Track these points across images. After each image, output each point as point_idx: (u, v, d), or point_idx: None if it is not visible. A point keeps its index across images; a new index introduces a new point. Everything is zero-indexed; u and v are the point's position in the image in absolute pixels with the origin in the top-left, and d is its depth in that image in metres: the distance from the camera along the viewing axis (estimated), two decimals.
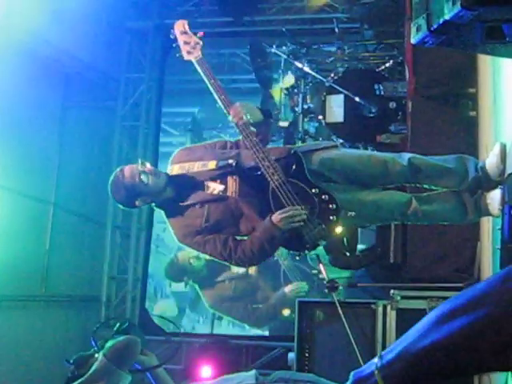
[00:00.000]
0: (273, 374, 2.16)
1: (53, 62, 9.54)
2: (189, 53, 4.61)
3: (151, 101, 11.02)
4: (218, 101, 4.51)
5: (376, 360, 1.29)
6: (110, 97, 10.97)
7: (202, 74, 4.56)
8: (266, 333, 10.15)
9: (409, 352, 1.18)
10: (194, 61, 4.58)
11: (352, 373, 1.66)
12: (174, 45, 4.72)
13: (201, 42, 4.62)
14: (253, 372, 2.19)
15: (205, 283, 10.12)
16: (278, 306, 9.89)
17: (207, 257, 4.67)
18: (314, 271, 9.45)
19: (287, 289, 9.79)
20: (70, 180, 9.90)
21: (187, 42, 4.63)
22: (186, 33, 4.66)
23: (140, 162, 4.51)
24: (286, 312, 9.75)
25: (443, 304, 1.19)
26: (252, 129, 4.45)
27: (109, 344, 2.83)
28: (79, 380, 2.65)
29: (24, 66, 8.86)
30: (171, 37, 4.72)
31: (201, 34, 4.69)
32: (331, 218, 4.38)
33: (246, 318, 9.99)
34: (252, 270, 9.83)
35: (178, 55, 4.68)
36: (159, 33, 10.87)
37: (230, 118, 4.47)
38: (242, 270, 9.68)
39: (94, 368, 2.71)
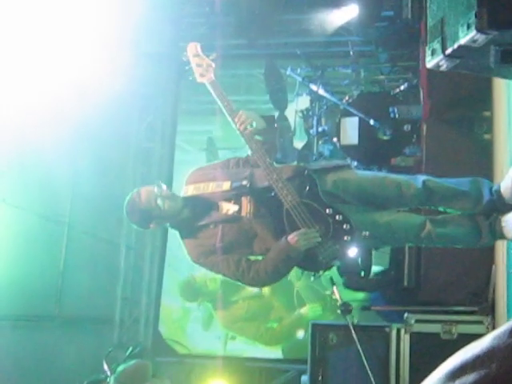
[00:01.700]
0: None
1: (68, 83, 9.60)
2: (202, 75, 4.61)
3: (166, 123, 11.06)
4: (232, 123, 4.52)
5: None
6: (125, 118, 11.01)
7: (215, 96, 4.57)
8: (279, 352, 10.13)
9: None
10: (207, 83, 4.59)
11: None
12: (186, 67, 4.72)
13: (213, 65, 4.63)
14: None
15: (218, 303, 10.14)
16: (292, 327, 9.91)
17: (221, 277, 4.68)
18: (328, 292, 9.47)
19: (303, 310, 9.81)
20: (85, 200, 9.93)
21: (200, 64, 4.63)
22: (198, 55, 4.67)
23: (157, 185, 4.51)
24: (300, 333, 9.77)
25: (452, 359, 1.18)
26: (257, 137, 4.46)
27: (120, 368, 2.84)
28: None
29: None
30: (183, 59, 4.73)
31: (213, 55, 4.70)
32: (345, 238, 4.37)
33: (258, 337, 10.01)
34: (265, 290, 9.85)
35: (190, 78, 4.69)
36: (174, 56, 10.92)
37: (238, 128, 4.47)
38: (255, 289, 9.70)
39: None
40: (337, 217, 4.37)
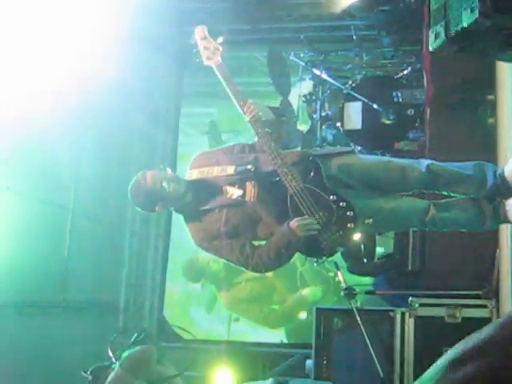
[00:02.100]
0: (290, 381, 2.14)
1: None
2: (208, 58, 4.61)
3: (169, 108, 11.06)
4: (237, 106, 4.51)
5: None
6: (127, 104, 11.00)
7: (221, 79, 4.57)
8: (282, 333, 10.17)
9: None
10: (213, 66, 4.59)
11: None
12: (194, 50, 4.72)
13: (220, 48, 4.63)
14: (270, 380, 2.17)
15: (221, 285, 10.20)
16: (294, 309, 9.96)
17: (223, 260, 4.69)
18: (331, 274, 9.52)
19: (304, 292, 9.86)
20: (89, 186, 9.94)
21: (207, 47, 4.63)
22: (205, 38, 4.67)
23: (161, 168, 4.52)
24: (303, 315, 9.83)
25: (454, 348, 1.19)
26: (266, 129, 4.46)
27: (125, 354, 2.84)
28: None
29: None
30: (191, 42, 4.72)
31: (220, 39, 4.70)
32: (349, 225, 4.38)
33: (261, 319, 10.06)
34: (264, 273, 9.91)
35: (197, 60, 4.69)
36: (176, 41, 10.90)
37: (247, 117, 4.47)
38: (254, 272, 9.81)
39: (110, 378, 2.72)
40: (341, 203, 4.37)
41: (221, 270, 10.14)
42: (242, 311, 10.20)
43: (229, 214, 4.49)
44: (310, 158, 4.52)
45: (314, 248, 4.43)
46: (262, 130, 4.41)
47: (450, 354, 1.18)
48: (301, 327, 9.91)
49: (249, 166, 4.51)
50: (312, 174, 4.42)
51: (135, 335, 2.99)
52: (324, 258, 4.58)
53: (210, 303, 10.52)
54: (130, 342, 2.93)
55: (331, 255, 4.51)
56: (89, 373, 2.99)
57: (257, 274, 9.66)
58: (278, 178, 4.36)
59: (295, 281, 9.94)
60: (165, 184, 4.45)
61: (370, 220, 4.49)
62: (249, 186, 4.52)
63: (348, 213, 4.36)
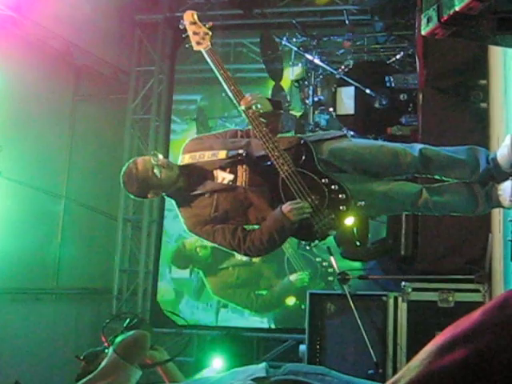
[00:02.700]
0: (283, 366, 2.14)
1: (63, 56, 9.57)
2: (198, 43, 4.59)
3: (162, 93, 11.05)
4: (228, 91, 4.49)
5: None
6: (120, 90, 10.99)
7: (211, 64, 4.54)
8: (270, 319, 10.20)
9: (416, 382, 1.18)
10: (203, 51, 4.57)
11: None
12: (183, 35, 4.70)
13: (210, 33, 4.61)
14: (263, 364, 2.17)
15: (209, 270, 10.24)
16: (282, 294, 9.99)
17: (214, 245, 4.67)
18: (318, 259, 9.55)
19: (292, 277, 9.89)
20: (81, 173, 9.94)
21: (196, 32, 4.61)
22: (195, 23, 4.64)
23: (153, 154, 4.50)
24: (291, 300, 9.88)
25: (443, 333, 1.19)
26: (262, 119, 4.44)
27: (118, 339, 2.83)
28: (90, 376, 2.65)
29: (34, 60, 8.89)
30: (180, 27, 4.70)
31: (210, 24, 4.67)
32: (341, 208, 4.37)
33: (248, 304, 10.09)
34: (256, 258, 9.92)
35: (187, 46, 4.67)
36: (169, 26, 10.88)
37: (241, 107, 4.45)
38: (245, 257, 9.87)
39: (103, 363, 2.71)
40: (332, 186, 4.36)
41: (208, 255, 10.17)
42: (229, 296, 10.23)
43: (220, 199, 4.48)
44: (302, 142, 4.51)
45: (306, 232, 4.42)
46: (256, 120, 4.39)
47: (438, 338, 1.18)
48: (288, 313, 9.96)
49: (240, 151, 4.49)
50: (304, 157, 4.41)
51: (128, 320, 2.98)
52: (316, 242, 4.57)
53: (199, 290, 10.53)
54: (122, 327, 2.92)
55: (324, 239, 4.50)
56: (82, 358, 2.99)
57: (244, 259, 9.69)
58: (269, 163, 4.35)
59: (282, 266, 9.96)
60: (156, 170, 4.42)
61: (363, 202, 4.47)
62: (240, 170, 4.51)
63: (340, 195, 4.36)
